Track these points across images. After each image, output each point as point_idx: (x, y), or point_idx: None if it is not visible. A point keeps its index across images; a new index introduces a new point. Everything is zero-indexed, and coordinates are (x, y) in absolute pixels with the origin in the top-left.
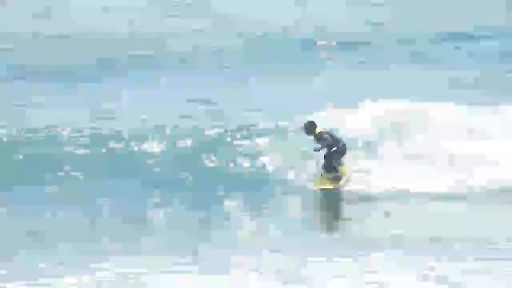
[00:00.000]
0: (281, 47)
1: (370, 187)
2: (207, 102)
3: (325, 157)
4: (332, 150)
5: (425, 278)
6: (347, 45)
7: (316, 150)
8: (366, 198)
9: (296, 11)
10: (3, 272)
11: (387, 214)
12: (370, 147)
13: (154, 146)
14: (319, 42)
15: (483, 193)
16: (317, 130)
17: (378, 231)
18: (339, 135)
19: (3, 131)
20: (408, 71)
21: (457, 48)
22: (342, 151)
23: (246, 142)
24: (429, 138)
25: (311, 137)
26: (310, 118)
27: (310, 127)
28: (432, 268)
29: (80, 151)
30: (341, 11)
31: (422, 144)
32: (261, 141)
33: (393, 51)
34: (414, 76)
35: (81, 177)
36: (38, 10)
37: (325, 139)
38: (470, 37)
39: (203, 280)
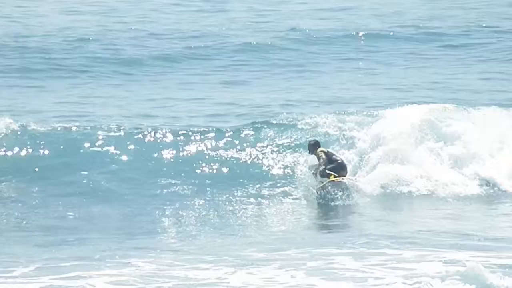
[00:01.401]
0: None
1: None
2: (215, 99)
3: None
4: (327, 167)
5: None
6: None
7: (312, 169)
8: (383, 197)
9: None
10: (36, 266)
11: (402, 212)
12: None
13: (161, 145)
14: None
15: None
16: (318, 150)
17: (393, 229)
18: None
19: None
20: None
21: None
22: (334, 168)
23: (253, 142)
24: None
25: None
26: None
27: (312, 147)
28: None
29: (87, 149)
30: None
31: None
32: (271, 141)
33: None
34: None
35: (89, 174)
36: None
37: (320, 158)
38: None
39: (231, 275)
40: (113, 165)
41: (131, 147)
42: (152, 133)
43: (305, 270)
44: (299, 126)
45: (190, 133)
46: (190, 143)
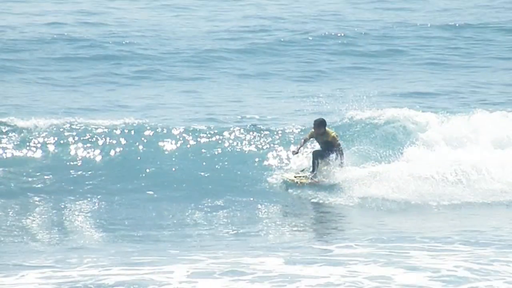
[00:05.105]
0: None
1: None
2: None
3: (314, 154)
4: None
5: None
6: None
7: (294, 153)
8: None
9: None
10: (110, 258)
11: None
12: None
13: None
14: None
15: None
16: (334, 134)
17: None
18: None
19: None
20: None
21: None
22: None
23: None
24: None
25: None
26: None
27: (319, 125)
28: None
29: (161, 145)
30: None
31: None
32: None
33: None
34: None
35: (161, 170)
36: None
37: (337, 142)
38: None
39: (309, 268)
40: (184, 162)
41: (200, 144)
42: (226, 130)
43: (381, 263)
44: (374, 122)
45: (263, 130)
46: (263, 140)
